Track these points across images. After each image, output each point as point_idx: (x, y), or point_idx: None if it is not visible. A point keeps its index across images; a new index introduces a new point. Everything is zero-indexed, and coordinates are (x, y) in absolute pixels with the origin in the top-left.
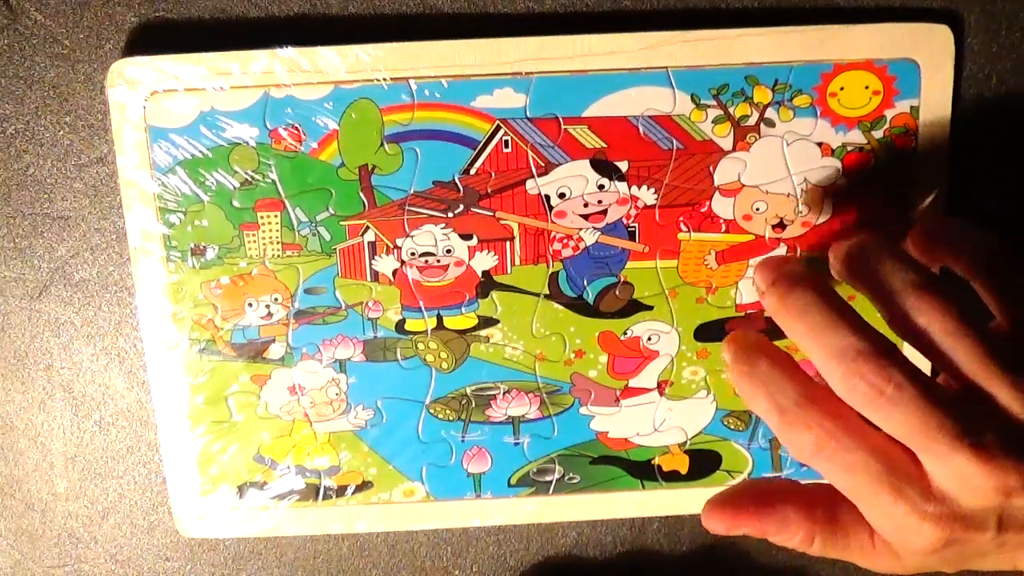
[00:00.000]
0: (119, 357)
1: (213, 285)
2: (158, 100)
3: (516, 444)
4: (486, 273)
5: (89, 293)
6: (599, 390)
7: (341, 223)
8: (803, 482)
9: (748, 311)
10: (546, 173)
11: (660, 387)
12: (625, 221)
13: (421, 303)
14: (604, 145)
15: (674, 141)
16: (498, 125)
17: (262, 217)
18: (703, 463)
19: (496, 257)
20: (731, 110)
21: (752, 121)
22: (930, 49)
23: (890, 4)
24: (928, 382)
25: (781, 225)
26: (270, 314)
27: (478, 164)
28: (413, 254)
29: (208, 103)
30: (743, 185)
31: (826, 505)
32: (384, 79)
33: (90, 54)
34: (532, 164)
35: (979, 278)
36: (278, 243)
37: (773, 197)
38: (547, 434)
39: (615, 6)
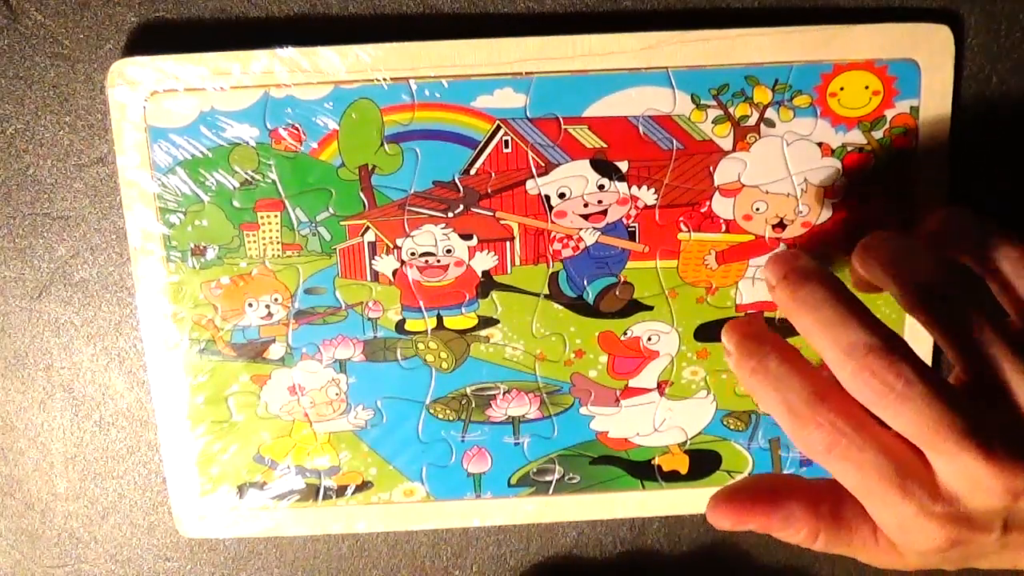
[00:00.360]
0: (119, 357)
1: (213, 285)
2: (158, 100)
3: (516, 444)
4: (486, 273)
5: (89, 293)
6: (599, 390)
7: (341, 223)
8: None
9: (748, 311)
10: (546, 173)
11: (660, 387)
12: (625, 221)
13: (421, 303)
14: (604, 145)
15: (674, 141)
16: (498, 125)
17: (262, 217)
18: (703, 463)
19: (496, 257)
20: (731, 110)
21: (752, 121)
22: (930, 49)
23: (890, 4)
24: (938, 379)
25: (781, 225)
26: (270, 314)
27: (478, 164)
28: (413, 254)
29: (208, 103)
30: (743, 185)
31: (830, 501)
32: (384, 79)
33: (90, 54)
34: (532, 164)
35: (993, 274)
36: (278, 243)
37: (773, 197)
38: (547, 434)
39: (615, 6)
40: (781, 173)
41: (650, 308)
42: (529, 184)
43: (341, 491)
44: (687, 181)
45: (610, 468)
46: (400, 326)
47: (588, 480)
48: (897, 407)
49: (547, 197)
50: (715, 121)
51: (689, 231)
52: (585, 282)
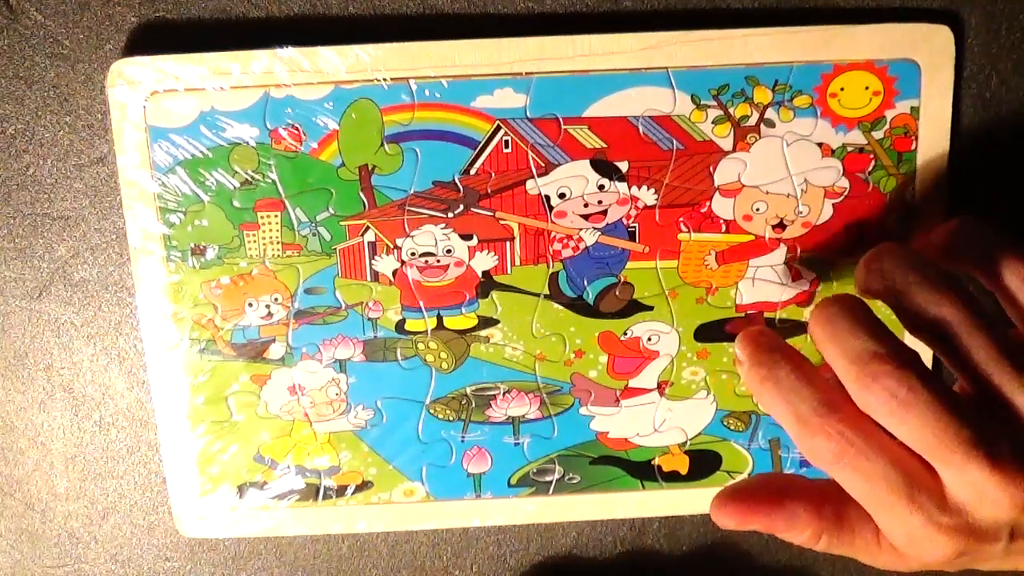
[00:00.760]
0: (119, 357)
1: (213, 285)
2: (158, 100)
3: (516, 444)
4: (486, 273)
5: (89, 293)
6: (599, 390)
7: (341, 223)
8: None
9: (748, 311)
10: (546, 173)
11: (660, 387)
12: (625, 221)
13: (421, 303)
14: (604, 145)
15: (674, 141)
16: (498, 125)
17: (262, 217)
18: (703, 463)
19: (496, 257)
20: (731, 110)
21: (752, 121)
22: (930, 49)
23: (890, 4)
24: (944, 390)
25: (781, 225)
26: (270, 314)
27: (478, 164)
28: (413, 254)
29: (208, 103)
30: (743, 185)
31: (834, 503)
32: (384, 79)
33: (90, 54)
34: (532, 164)
35: (1000, 288)
36: (278, 243)
37: (773, 197)
38: (547, 434)
39: (615, 6)
40: (781, 173)
41: (650, 308)
42: (529, 184)
43: (341, 491)
44: (687, 181)
45: (610, 468)
46: (400, 326)
47: (588, 480)
48: (901, 415)
49: (547, 197)
50: (715, 121)
51: (689, 231)
52: (585, 282)
